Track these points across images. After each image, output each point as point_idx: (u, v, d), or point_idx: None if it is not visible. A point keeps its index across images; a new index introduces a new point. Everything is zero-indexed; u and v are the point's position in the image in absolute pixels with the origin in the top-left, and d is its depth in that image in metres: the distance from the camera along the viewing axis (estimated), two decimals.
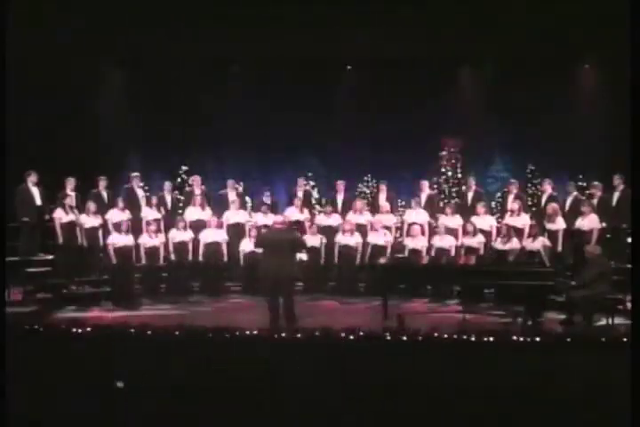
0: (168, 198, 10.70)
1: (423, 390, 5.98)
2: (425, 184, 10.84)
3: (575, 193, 10.11)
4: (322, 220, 10.51)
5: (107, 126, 12.16)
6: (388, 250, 9.97)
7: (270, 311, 7.65)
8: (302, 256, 9.47)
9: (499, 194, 11.77)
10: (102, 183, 10.33)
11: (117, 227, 9.63)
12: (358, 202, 10.57)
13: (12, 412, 5.47)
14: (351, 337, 6.69)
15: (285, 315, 7.62)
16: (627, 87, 6.91)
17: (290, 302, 7.67)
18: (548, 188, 10.21)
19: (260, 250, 9.87)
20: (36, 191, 9.75)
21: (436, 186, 11.90)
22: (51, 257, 9.72)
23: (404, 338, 6.70)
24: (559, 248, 9.32)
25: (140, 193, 10.59)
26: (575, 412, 5.68)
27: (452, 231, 9.85)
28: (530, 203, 11.15)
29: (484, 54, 12.14)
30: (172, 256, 9.88)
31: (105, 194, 10.33)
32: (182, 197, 11.22)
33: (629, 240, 8.27)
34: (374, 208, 10.63)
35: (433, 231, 10.11)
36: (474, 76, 12.64)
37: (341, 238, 10.03)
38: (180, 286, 9.96)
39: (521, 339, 6.67)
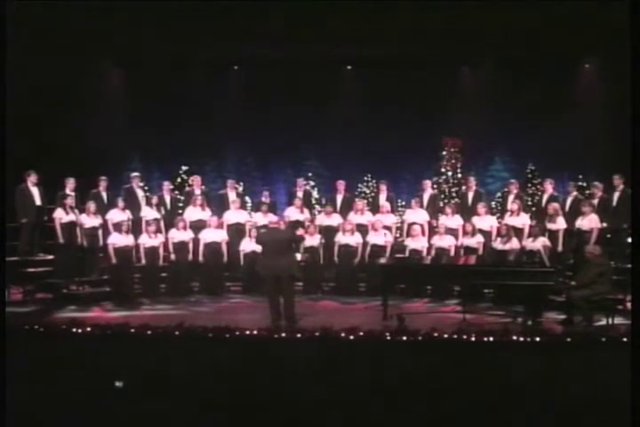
0: (168, 198, 10.70)
1: (423, 390, 5.99)
2: (428, 184, 10.84)
3: (575, 193, 10.10)
4: (322, 220, 10.51)
5: (107, 126, 12.16)
6: (388, 250, 9.97)
7: (271, 310, 7.67)
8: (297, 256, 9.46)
9: (499, 194, 11.78)
10: (103, 184, 10.31)
11: (118, 227, 9.62)
12: (358, 202, 10.56)
13: (12, 412, 5.47)
14: (351, 337, 6.70)
15: (286, 315, 7.63)
16: (627, 87, 6.91)
17: (290, 302, 7.68)
18: (548, 187, 10.18)
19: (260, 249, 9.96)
20: (35, 191, 9.73)
21: (435, 186, 11.89)
22: (51, 257, 9.72)
23: (404, 338, 6.70)
24: (559, 248, 9.31)
25: (140, 193, 10.59)
26: (575, 412, 5.68)
27: (451, 231, 9.85)
28: (530, 203, 11.15)
29: (484, 54, 12.16)
30: (172, 256, 9.88)
31: (105, 195, 10.32)
32: (182, 197, 11.22)
33: (629, 240, 8.28)
34: (374, 208, 10.62)
35: (433, 231, 10.12)
36: (474, 76, 12.66)
37: (342, 238, 10.03)
38: (180, 286, 9.96)
39: (521, 339, 6.68)
